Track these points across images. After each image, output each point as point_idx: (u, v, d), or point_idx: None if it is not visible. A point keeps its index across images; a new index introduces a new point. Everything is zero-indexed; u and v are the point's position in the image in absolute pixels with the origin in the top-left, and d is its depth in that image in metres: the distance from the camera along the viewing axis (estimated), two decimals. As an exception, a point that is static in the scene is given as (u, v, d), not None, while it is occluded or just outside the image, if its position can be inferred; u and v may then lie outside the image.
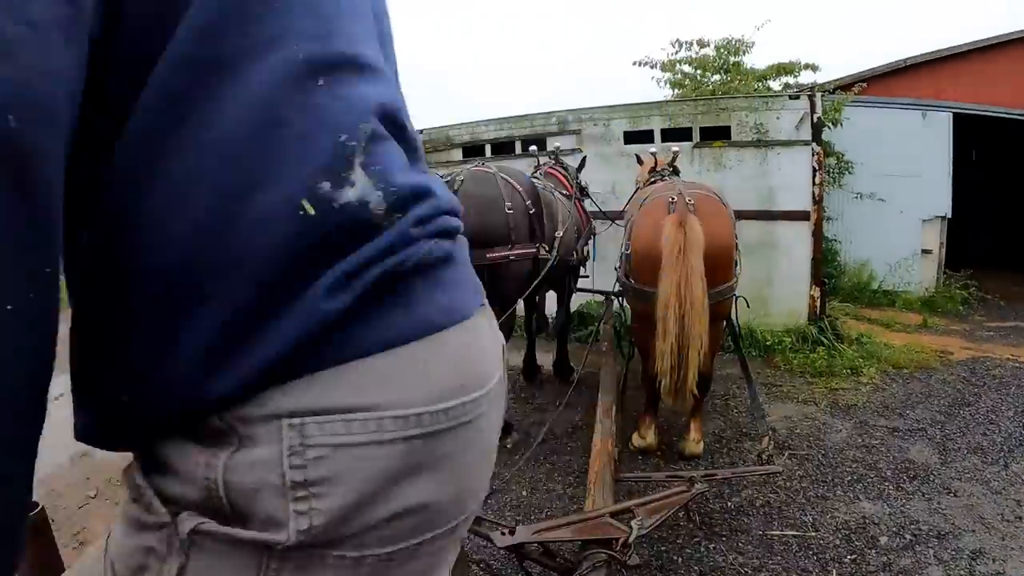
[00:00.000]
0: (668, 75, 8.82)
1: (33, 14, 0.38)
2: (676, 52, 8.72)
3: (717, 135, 5.76)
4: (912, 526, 2.65)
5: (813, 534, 2.63)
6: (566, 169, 4.69)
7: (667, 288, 2.76)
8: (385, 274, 0.55)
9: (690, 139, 5.81)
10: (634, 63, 8.89)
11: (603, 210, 4.83)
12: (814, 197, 5.35)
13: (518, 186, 3.34)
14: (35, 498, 0.62)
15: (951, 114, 7.49)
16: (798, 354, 4.98)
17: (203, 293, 0.50)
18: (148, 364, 0.51)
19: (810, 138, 5.34)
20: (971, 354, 5.14)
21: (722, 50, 8.50)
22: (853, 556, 2.47)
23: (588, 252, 4.65)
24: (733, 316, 3.43)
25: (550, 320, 5.03)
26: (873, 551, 2.49)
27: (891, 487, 2.99)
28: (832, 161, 7.21)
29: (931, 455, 3.31)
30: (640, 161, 4.63)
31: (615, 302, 4.59)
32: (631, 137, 6.04)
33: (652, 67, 8.87)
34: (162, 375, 0.51)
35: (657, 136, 5.92)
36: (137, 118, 0.48)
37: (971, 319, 6.69)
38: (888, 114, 7.63)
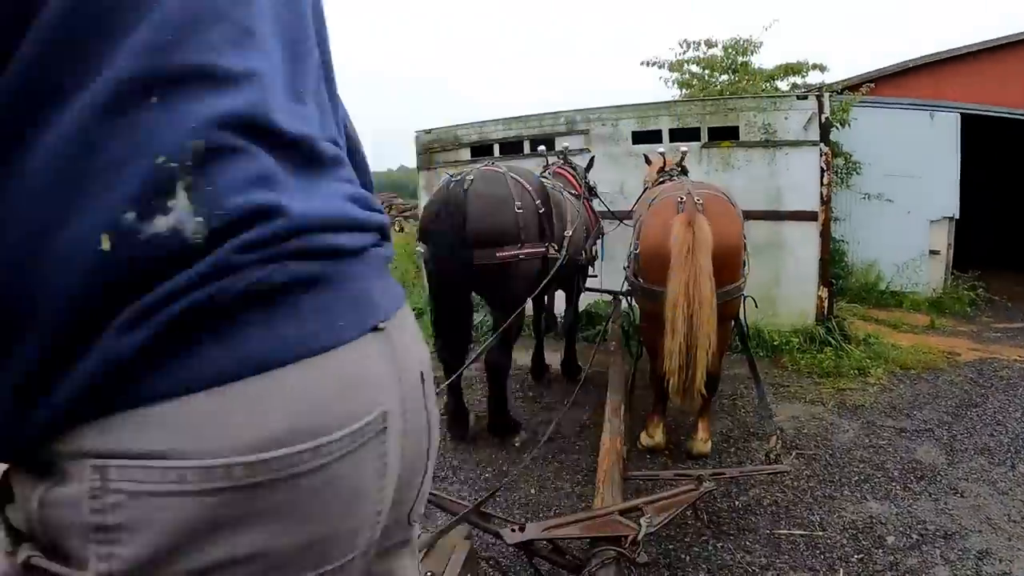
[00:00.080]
0: (676, 75, 8.80)
1: None
2: (684, 52, 8.71)
3: (725, 135, 5.76)
4: (919, 526, 2.66)
5: (820, 533, 2.64)
6: (575, 169, 4.71)
7: (676, 287, 2.78)
8: (192, 308, 0.50)
9: (698, 139, 5.82)
10: (642, 63, 8.90)
11: (611, 210, 4.85)
12: (822, 197, 5.35)
13: (528, 185, 3.35)
14: None
15: (959, 114, 7.47)
16: (805, 354, 4.98)
17: (13, 333, 0.49)
18: None
19: (818, 138, 5.34)
20: (978, 355, 5.14)
21: (730, 50, 8.47)
22: (860, 555, 2.48)
23: (596, 252, 4.67)
24: (741, 316, 3.44)
25: (559, 320, 5.06)
26: (880, 551, 2.51)
27: (898, 487, 3.00)
28: (840, 161, 7.21)
29: (938, 456, 3.32)
30: (648, 161, 4.63)
31: (623, 302, 4.60)
32: (639, 137, 6.05)
33: (660, 67, 8.86)
34: None
35: (665, 136, 5.93)
36: None
37: (978, 320, 6.68)
38: (896, 114, 7.62)
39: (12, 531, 0.53)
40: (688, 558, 2.50)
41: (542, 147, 5.21)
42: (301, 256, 0.57)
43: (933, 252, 7.49)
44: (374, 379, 0.63)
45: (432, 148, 7.06)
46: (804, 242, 5.44)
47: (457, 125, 6.96)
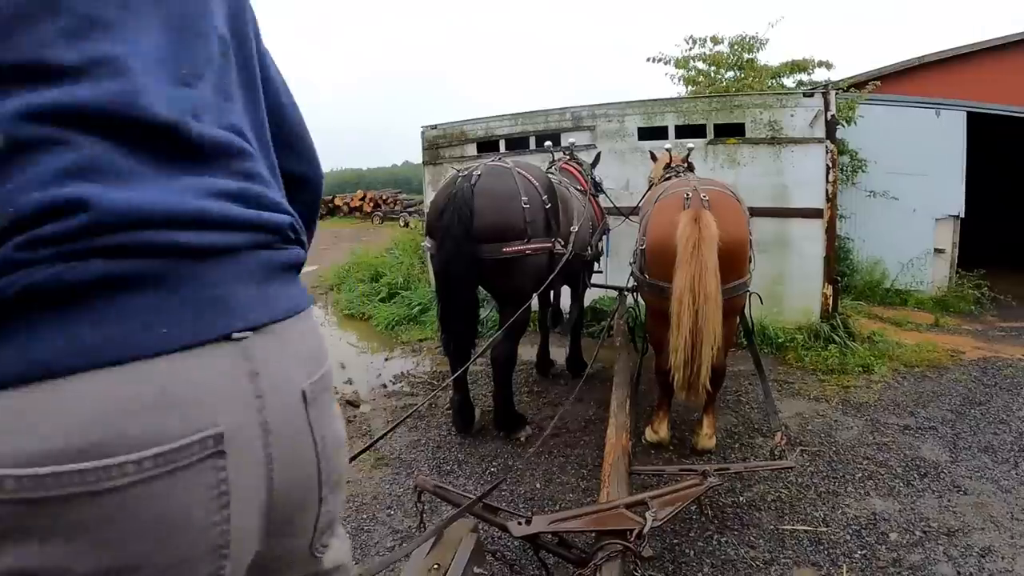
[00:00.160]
0: (682, 72, 8.80)
1: None
2: (690, 49, 8.70)
3: (731, 132, 5.75)
4: (922, 523, 2.67)
5: (824, 529, 2.65)
6: (580, 165, 4.72)
7: (681, 283, 2.79)
8: None
9: (704, 135, 5.81)
10: (648, 59, 8.89)
11: (617, 206, 4.85)
12: (827, 195, 5.34)
13: (534, 181, 3.36)
14: None
15: (965, 112, 7.44)
16: (810, 351, 4.99)
17: None
18: None
19: (824, 136, 5.33)
20: (983, 354, 5.14)
21: (736, 47, 8.46)
22: (863, 551, 2.49)
23: (602, 247, 4.67)
24: (747, 312, 3.45)
25: (564, 315, 5.07)
26: (883, 547, 2.52)
27: (901, 484, 3.02)
28: (845, 159, 7.20)
29: (942, 453, 3.33)
30: (654, 157, 4.64)
31: (628, 297, 4.62)
32: (645, 133, 6.04)
33: (666, 63, 8.85)
34: None
35: (671, 132, 5.92)
36: None
37: (983, 319, 6.67)
38: (902, 112, 7.60)
39: None
40: (692, 552, 2.52)
41: (548, 143, 5.22)
42: (116, 254, 0.53)
43: (938, 250, 7.49)
44: (207, 396, 0.56)
45: (438, 143, 7.06)
46: (809, 239, 5.44)
47: (463, 121, 6.97)
